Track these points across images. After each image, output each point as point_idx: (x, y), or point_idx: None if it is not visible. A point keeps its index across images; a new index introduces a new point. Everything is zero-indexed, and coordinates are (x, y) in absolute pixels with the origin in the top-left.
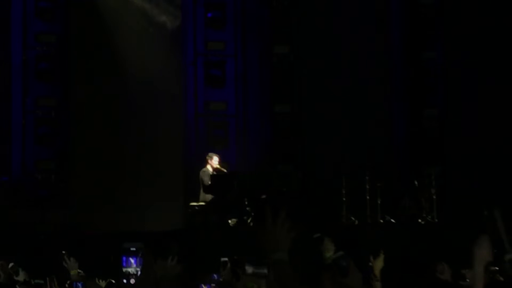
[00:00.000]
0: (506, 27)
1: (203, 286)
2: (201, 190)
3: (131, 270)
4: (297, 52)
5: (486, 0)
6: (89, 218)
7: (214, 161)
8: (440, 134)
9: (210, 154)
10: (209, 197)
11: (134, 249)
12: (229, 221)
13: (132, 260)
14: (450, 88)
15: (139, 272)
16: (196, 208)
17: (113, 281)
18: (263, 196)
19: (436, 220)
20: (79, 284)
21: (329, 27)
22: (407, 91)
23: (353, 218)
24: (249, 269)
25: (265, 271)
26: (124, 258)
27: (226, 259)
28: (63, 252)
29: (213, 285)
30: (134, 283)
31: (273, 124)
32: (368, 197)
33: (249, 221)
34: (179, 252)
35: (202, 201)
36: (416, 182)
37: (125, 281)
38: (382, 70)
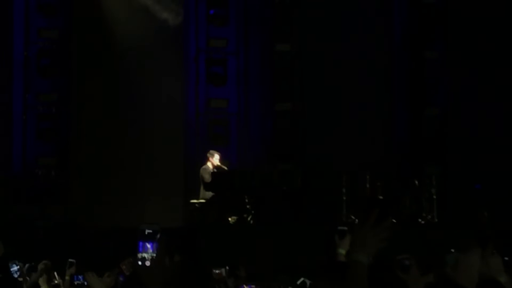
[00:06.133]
0: (508, 26)
1: (244, 286)
2: (202, 188)
3: (147, 255)
4: (299, 50)
5: (488, 0)
6: (89, 215)
7: (215, 159)
8: (441, 133)
9: (211, 151)
10: (209, 194)
11: (150, 231)
12: (229, 218)
13: (148, 245)
14: (451, 87)
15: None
16: (196, 205)
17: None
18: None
19: (436, 220)
20: (80, 277)
21: (331, 25)
22: (408, 89)
23: (353, 217)
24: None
25: None
26: (140, 243)
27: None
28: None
29: (253, 286)
30: (149, 265)
31: (274, 122)
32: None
33: (249, 219)
34: (178, 249)
35: (202, 199)
36: (416, 182)
37: (140, 263)
38: (384, 68)
